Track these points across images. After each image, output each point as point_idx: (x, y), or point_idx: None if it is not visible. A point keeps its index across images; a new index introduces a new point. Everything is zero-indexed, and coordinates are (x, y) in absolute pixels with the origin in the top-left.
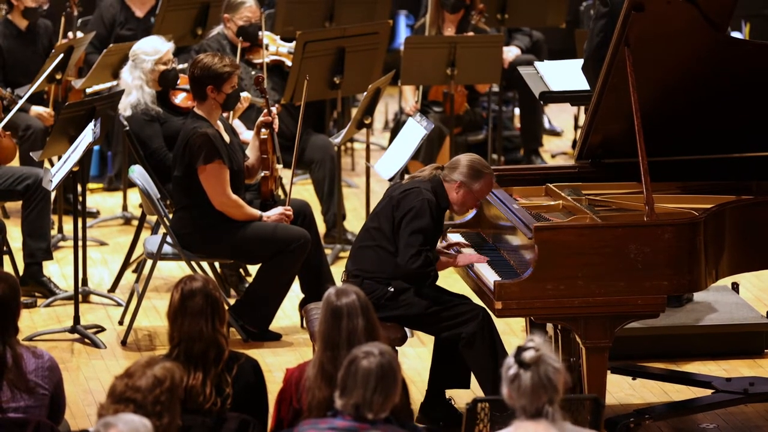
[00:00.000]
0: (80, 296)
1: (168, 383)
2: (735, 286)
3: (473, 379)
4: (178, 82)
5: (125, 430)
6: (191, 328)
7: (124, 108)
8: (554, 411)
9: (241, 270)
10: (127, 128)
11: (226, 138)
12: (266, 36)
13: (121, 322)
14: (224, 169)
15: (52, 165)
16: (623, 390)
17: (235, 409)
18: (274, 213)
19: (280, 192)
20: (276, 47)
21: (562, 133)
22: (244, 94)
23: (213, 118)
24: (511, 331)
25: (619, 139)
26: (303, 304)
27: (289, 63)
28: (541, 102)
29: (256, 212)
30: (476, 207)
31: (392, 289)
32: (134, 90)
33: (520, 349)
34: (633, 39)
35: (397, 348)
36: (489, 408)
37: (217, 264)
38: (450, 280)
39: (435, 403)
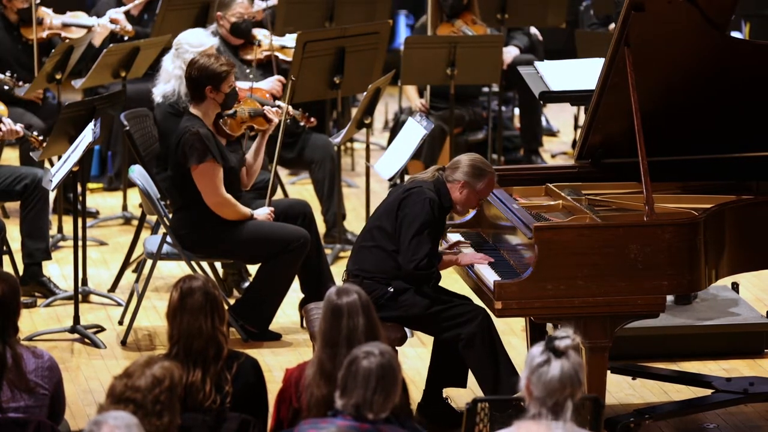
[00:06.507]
0: (80, 296)
1: (167, 382)
2: (735, 286)
3: (472, 379)
4: None
5: (119, 424)
6: (190, 325)
7: (157, 94)
8: (568, 409)
9: (242, 270)
10: (127, 128)
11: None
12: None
13: (121, 322)
14: (217, 168)
15: (52, 165)
16: (623, 390)
17: (235, 408)
18: (262, 213)
19: (280, 193)
20: (269, 41)
21: (558, 133)
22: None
23: (208, 119)
24: (511, 331)
25: (619, 139)
26: (303, 304)
27: (282, 57)
28: (541, 102)
29: (248, 211)
30: (478, 206)
31: (392, 290)
32: (173, 79)
33: (552, 338)
34: (633, 39)
35: (397, 348)
36: (489, 408)
37: (219, 264)
38: (450, 280)
39: (432, 402)
